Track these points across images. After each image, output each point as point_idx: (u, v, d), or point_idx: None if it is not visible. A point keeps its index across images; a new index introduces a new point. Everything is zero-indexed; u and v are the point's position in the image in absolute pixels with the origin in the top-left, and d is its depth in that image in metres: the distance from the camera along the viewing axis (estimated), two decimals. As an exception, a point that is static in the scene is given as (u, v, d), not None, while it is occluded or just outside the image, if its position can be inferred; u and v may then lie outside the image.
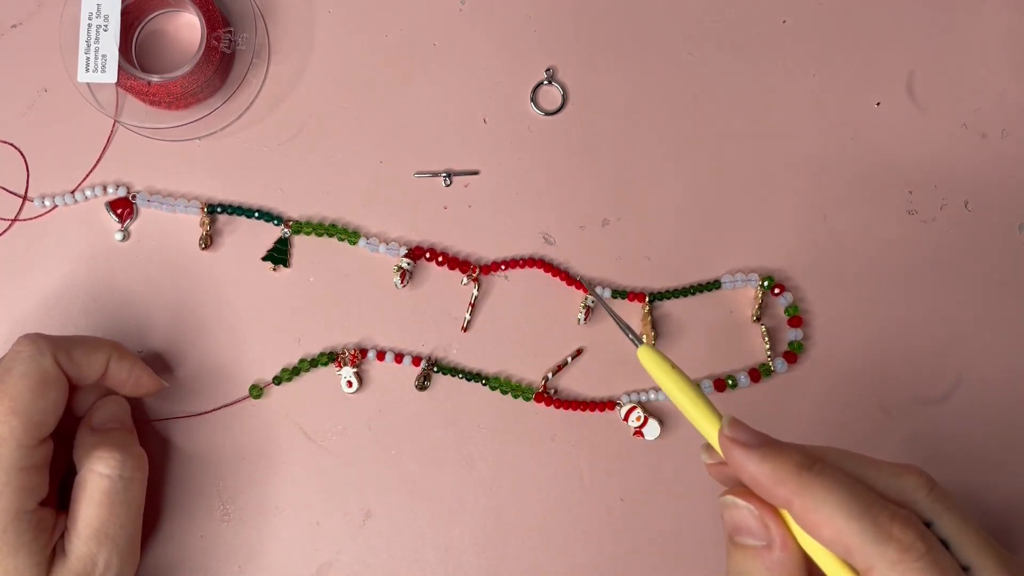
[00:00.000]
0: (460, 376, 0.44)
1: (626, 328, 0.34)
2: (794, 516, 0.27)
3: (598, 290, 0.43)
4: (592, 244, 0.45)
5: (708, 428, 0.30)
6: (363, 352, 0.44)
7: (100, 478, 0.37)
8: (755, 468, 0.28)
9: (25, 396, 0.35)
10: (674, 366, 0.31)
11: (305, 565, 0.43)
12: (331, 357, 0.44)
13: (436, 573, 0.43)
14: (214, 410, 0.44)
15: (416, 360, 0.44)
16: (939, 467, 0.44)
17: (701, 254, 0.45)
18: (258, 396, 0.43)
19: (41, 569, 0.35)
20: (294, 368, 0.44)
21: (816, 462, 0.28)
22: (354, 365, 0.44)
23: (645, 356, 0.32)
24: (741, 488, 0.29)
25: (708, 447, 0.31)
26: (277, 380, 0.44)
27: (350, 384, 0.43)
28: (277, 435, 0.44)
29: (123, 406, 0.41)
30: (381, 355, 0.44)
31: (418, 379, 0.44)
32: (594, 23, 0.46)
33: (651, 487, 0.44)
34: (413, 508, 0.43)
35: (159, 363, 0.44)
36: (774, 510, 0.28)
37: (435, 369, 0.44)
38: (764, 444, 0.28)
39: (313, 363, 0.44)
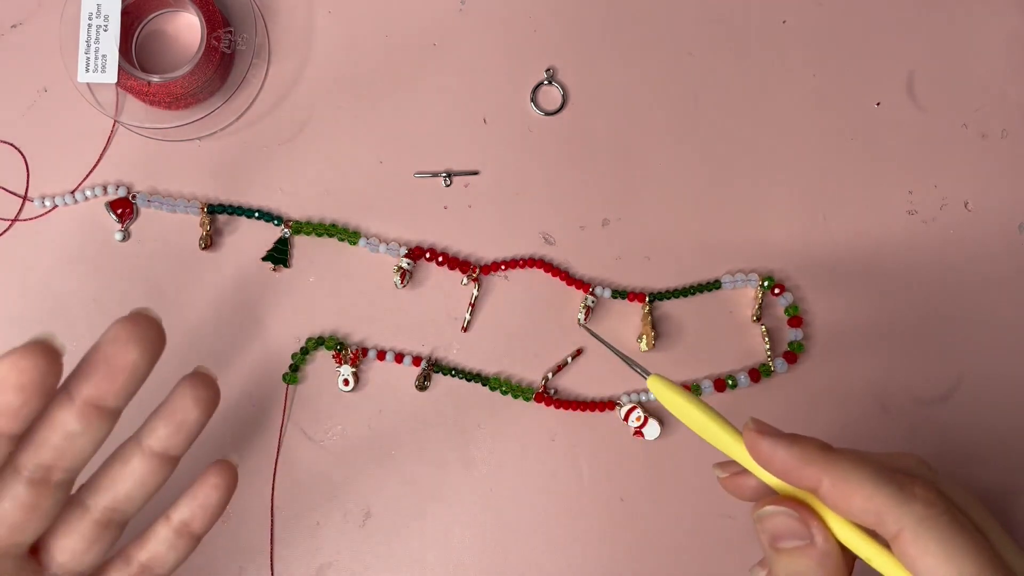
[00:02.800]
0: (460, 376, 0.44)
1: (633, 363, 0.34)
2: (823, 494, 0.29)
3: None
4: (592, 244, 0.45)
5: (729, 440, 0.31)
6: (364, 351, 0.44)
7: None
8: (784, 453, 0.29)
9: None
10: (684, 390, 0.32)
11: (305, 565, 0.43)
12: (340, 345, 0.44)
13: (436, 573, 0.43)
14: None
15: (416, 360, 0.44)
16: (939, 466, 0.44)
17: (701, 254, 0.45)
18: (293, 381, 0.44)
19: None
20: (303, 348, 0.44)
21: (833, 447, 0.30)
22: (354, 364, 0.44)
23: (656, 385, 0.33)
24: (769, 498, 0.31)
25: (722, 464, 0.32)
26: (294, 368, 0.44)
27: (347, 383, 0.44)
28: (277, 435, 0.44)
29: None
30: (381, 355, 0.44)
31: (418, 379, 0.44)
32: (594, 23, 0.46)
33: (651, 487, 0.44)
34: (413, 508, 0.43)
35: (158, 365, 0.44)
36: (808, 508, 0.30)
37: (435, 369, 0.44)
38: (787, 435, 0.30)
39: (320, 342, 0.44)
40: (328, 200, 0.45)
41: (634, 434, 0.44)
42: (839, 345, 0.45)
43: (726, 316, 0.45)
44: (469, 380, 0.44)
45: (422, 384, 0.44)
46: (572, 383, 0.44)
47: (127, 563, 0.32)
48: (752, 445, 0.30)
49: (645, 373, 0.34)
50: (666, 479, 0.44)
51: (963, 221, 0.46)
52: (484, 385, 0.44)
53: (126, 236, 0.45)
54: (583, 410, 0.44)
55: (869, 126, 0.46)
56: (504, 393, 0.44)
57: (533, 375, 0.44)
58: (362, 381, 0.44)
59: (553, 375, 0.44)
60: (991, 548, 0.27)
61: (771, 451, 0.30)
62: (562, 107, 0.46)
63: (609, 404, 0.44)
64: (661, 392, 0.32)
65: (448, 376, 0.44)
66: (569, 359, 0.44)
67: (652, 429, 0.43)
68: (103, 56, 0.41)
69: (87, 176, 0.45)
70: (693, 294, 0.45)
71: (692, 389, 0.44)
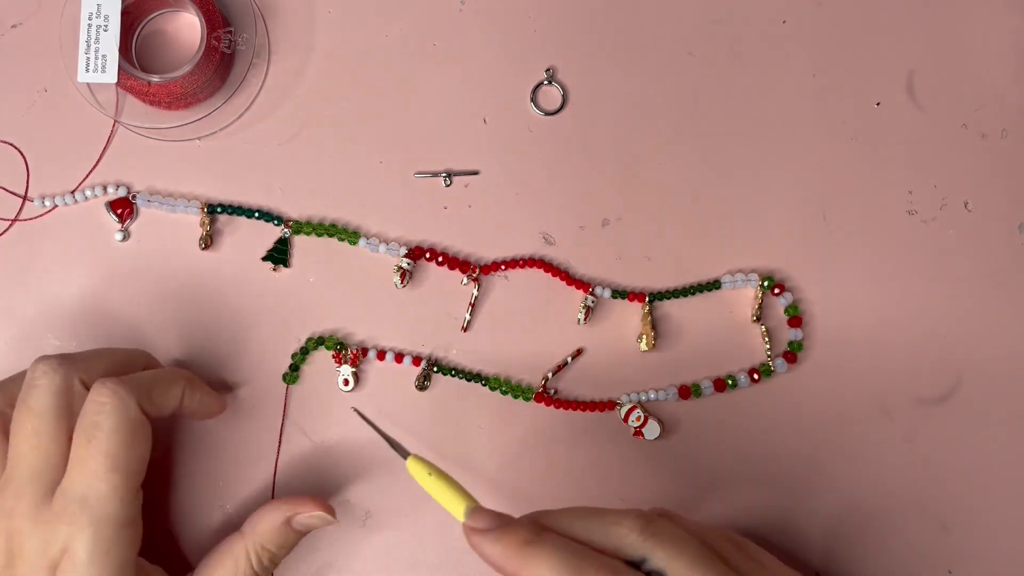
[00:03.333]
0: (460, 376, 0.44)
1: (395, 444, 0.39)
2: None
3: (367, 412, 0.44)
4: (592, 244, 0.45)
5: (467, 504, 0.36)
6: (363, 351, 0.44)
7: (250, 569, 0.39)
8: (488, 550, 0.33)
9: (120, 450, 0.34)
10: (438, 471, 0.37)
11: (305, 565, 0.43)
12: (340, 345, 0.44)
13: (436, 573, 0.43)
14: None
15: (416, 360, 0.44)
16: (939, 467, 0.44)
17: (701, 254, 0.45)
18: (293, 381, 0.44)
19: None
20: (303, 348, 0.44)
21: (540, 534, 0.32)
22: (354, 364, 0.44)
23: (413, 466, 0.37)
24: None
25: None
26: (293, 367, 0.44)
27: (347, 383, 0.43)
28: (277, 435, 0.44)
29: (324, 524, 0.40)
30: (381, 355, 0.44)
31: (418, 379, 0.44)
32: (594, 23, 0.46)
33: (651, 487, 0.44)
34: (413, 508, 0.43)
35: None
36: None
37: (435, 369, 0.44)
38: (497, 527, 0.33)
39: (320, 341, 0.44)
40: (328, 200, 0.45)
41: (634, 434, 0.44)
42: (839, 345, 0.45)
43: (726, 316, 0.45)
44: (469, 380, 0.44)
45: (422, 384, 0.44)
46: (572, 383, 0.44)
47: None
48: (468, 540, 0.33)
49: (404, 455, 0.38)
50: (666, 479, 0.44)
51: (963, 221, 0.46)
52: (484, 385, 0.44)
53: (126, 236, 0.45)
54: (583, 410, 0.44)
55: (869, 126, 0.46)
56: (504, 393, 0.44)
57: (533, 375, 0.44)
58: (362, 381, 0.44)
59: (553, 375, 0.44)
60: None
61: (480, 548, 0.33)
62: (562, 107, 0.46)
63: (609, 404, 0.44)
64: (417, 474, 0.37)
65: (448, 376, 0.44)
66: (569, 359, 0.44)
67: (652, 429, 0.43)
68: (103, 56, 0.42)
69: (87, 176, 0.45)
70: (693, 294, 0.45)
71: (692, 389, 0.44)
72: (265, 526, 0.38)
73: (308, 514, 0.39)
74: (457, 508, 0.36)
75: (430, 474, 0.37)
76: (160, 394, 0.37)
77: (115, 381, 0.35)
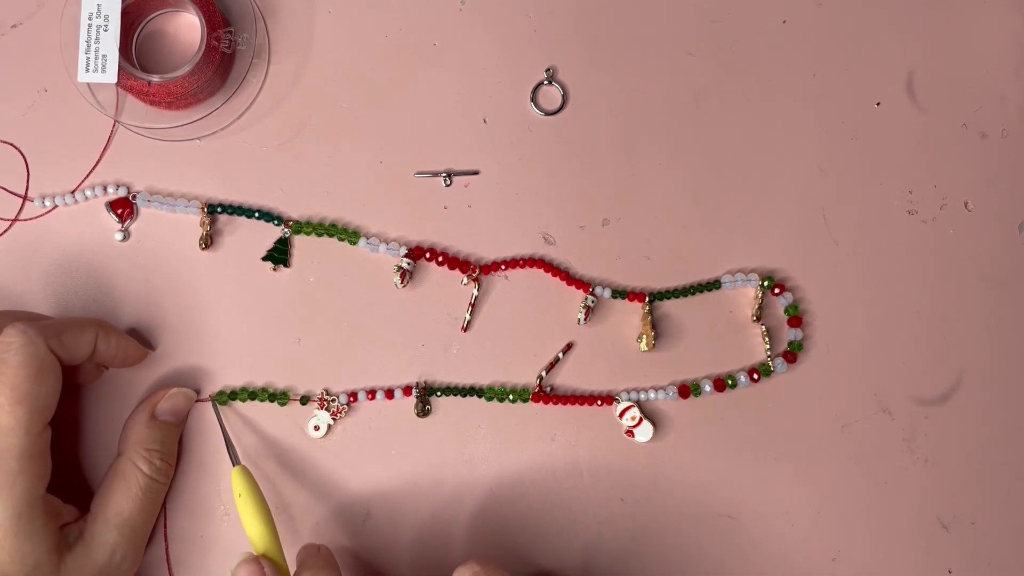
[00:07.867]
0: (454, 394, 0.44)
1: (231, 447, 0.41)
2: None
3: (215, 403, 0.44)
4: (592, 244, 0.45)
5: (263, 544, 0.38)
6: (352, 397, 0.43)
7: (142, 475, 0.39)
8: None
9: (26, 385, 0.35)
10: (254, 497, 0.39)
11: (305, 565, 0.43)
12: (303, 400, 0.44)
13: (436, 573, 0.43)
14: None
15: (407, 390, 0.43)
16: (939, 467, 0.44)
17: (701, 254, 0.45)
18: (224, 402, 0.43)
19: (53, 554, 0.36)
20: (263, 391, 0.43)
21: None
22: (336, 416, 0.43)
23: (236, 476, 0.39)
24: None
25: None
26: (253, 395, 0.43)
27: (316, 428, 0.43)
28: (277, 435, 0.44)
29: (189, 400, 0.42)
30: (372, 394, 0.43)
31: (416, 407, 0.43)
32: (594, 23, 0.46)
33: (651, 487, 0.44)
34: (413, 508, 0.43)
35: (158, 365, 0.44)
36: None
37: (428, 392, 0.44)
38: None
39: (281, 397, 0.43)
40: (328, 200, 0.45)
41: (625, 433, 0.43)
42: (839, 345, 0.45)
43: (726, 316, 0.45)
44: (464, 396, 0.44)
45: (423, 411, 0.43)
46: (572, 384, 0.44)
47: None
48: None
49: (234, 463, 0.40)
50: (666, 479, 0.44)
51: (963, 221, 0.46)
52: (480, 397, 0.44)
53: (126, 236, 0.45)
54: (582, 404, 0.44)
55: (869, 126, 0.46)
56: (501, 400, 0.44)
57: (533, 375, 0.44)
58: (361, 423, 0.44)
59: (547, 373, 0.44)
60: None
61: None
62: (562, 107, 0.46)
63: (607, 399, 0.44)
64: (235, 486, 0.39)
65: (446, 396, 0.44)
66: (560, 355, 0.44)
67: (645, 431, 0.43)
68: (103, 56, 0.42)
69: (87, 176, 0.45)
70: (693, 294, 0.45)
71: (692, 388, 0.44)
72: (135, 434, 0.40)
73: (165, 399, 0.41)
74: (252, 540, 0.38)
75: (240, 495, 0.39)
76: (71, 337, 0.38)
77: (24, 323, 0.36)
